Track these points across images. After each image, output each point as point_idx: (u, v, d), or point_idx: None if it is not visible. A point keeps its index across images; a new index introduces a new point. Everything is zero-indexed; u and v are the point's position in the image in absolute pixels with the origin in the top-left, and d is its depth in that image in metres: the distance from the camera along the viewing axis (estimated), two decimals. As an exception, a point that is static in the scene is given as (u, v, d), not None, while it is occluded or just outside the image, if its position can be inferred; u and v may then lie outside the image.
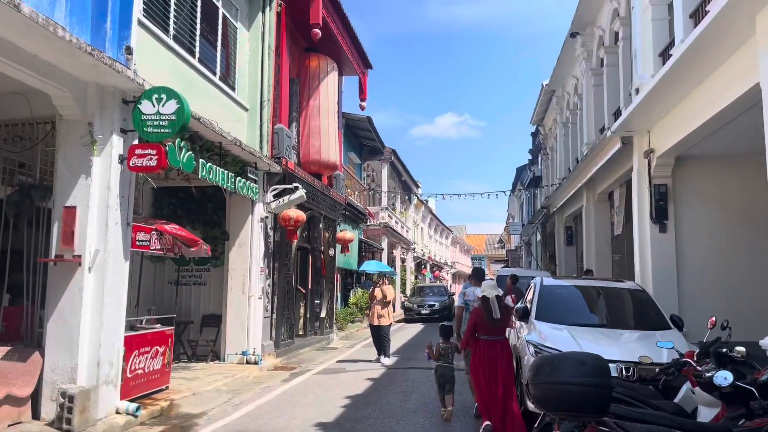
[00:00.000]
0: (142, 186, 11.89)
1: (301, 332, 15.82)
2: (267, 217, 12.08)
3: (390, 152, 28.51)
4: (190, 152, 8.33)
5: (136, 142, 7.26)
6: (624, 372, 6.05)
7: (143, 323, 8.61)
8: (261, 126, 12.17)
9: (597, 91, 15.58)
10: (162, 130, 7.02)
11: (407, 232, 36.41)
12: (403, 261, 37.45)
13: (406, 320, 24.91)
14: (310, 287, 15.92)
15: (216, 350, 11.75)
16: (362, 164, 27.69)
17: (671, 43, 9.82)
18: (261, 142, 12.12)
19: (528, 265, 32.28)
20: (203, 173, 8.92)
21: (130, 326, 8.41)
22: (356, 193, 22.99)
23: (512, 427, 6.23)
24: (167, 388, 8.62)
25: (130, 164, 7.01)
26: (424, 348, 7.88)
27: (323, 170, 15.16)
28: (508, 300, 10.42)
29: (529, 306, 7.85)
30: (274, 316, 12.75)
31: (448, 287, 55.28)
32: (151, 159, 6.96)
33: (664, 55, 10.09)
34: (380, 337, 12.63)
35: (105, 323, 6.76)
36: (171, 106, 7.02)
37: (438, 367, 7.41)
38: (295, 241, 13.64)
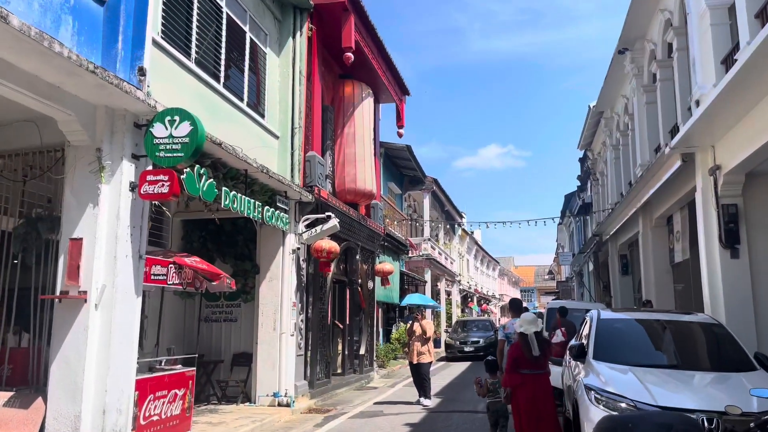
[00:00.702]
0: (171, 220, 11.57)
1: (339, 370, 15.04)
2: (299, 249, 11.47)
3: (431, 181, 27.80)
4: (212, 180, 7.84)
5: (150, 168, 6.78)
6: (706, 424, 5.03)
7: (162, 364, 8.02)
8: (292, 154, 11.68)
9: (650, 109, 14.55)
10: (175, 155, 6.52)
11: (452, 264, 35.37)
12: (449, 294, 36.32)
13: (448, 358, 23.12)
14: (348, 322, 15.17)
15: (247, 391, 11.08)
16: (403, 194, 27.06)
17: (735, 48, 8.87)
18: (292, 170, 11.61)
19: (580, 297, 30.68)
20: (227, 202, 8.39)
21: (148, 367, 7.87)
22: (396, 223, 22.29)
23: None
24: (188, 434, 7.96)
25: (141, 192, 6.51)
26: (469, 387, 7.76)
27: (359, 199, 14.55)
28: (558, 334, 9.82)
29: (585, 343, 6.89)
30: (309, 354, 12.03)
31: (495, 321, 53.66)
32: (163, 185, 6.45)
33: (728, 61, 9.11)
34: (420, 376, 11.73)
35: (113, 366, 6.18)
36: (184, 128, 6.53)
37: (490, 404, 7.19)
38: (330, 273, 12.97)
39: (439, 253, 30.62)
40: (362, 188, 14.24)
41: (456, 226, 39.84)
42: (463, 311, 41.77)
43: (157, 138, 6.57)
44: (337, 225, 11.63)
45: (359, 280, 15.35)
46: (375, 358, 17.01)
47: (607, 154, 21.08)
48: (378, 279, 16.97)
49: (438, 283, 32.37)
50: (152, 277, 7.07)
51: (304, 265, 11.95)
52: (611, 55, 15.99)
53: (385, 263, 16.67)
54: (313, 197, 11.70)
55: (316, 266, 12.26)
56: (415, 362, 11.73)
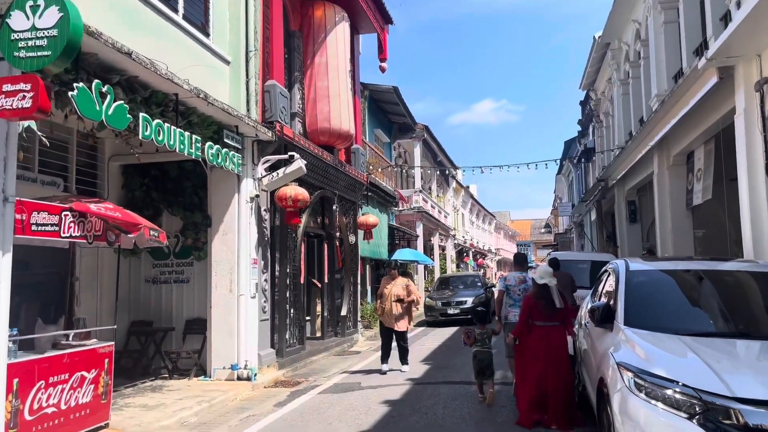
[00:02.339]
0: (106, 165, 9.74)
1: (318, 334, 13.46)
2: (257, 197, 9.66)
3: (422, 129, 25.81)
4: (122, 102, 5.98)
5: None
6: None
7: (70, 339, 6.31)
8: (247, 83, 9.75)
9: (669, 30, 12.59)
10: (40, 53, 4.65)
11: (445, 217, 33.69)
12: (443, 249, 34.77)
13: (429, 323, 18.63)
14: (327, 281, 13.51)
15: (201, 363, 9.47)
16: (392, 143, 25.12)
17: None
18: (248, 102, 9.70)
19: (580, 249, 29.14)
20: (147, 133, 6.56)
21: (52, 344, 6.17)
22: (382, 172, 20.33)
23: (571, 416, 5.99)
24: (107, 425, 6.32)
25: (-5, 108, 4.67)
26: (459, 353, 8.51)
27: (335, 141, 12.68)
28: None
29: (610, 303, 5.19)
30: (277, 318, 10.38)
31: (485, 276, 52.00)
32: (24, 98, 4.61)
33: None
34: (397, 343, 10.21)
35: (-39, 348, 4.45)
36: (51, 17, 4.65)
37: (477, 352, 7.35)
38: (300, 225, 11.23)
39: (432, 206, 28.88)
40: (337, 128, 12.35)
41: (449, 178, 38.00)
42: (458, 266, 40.33)
43: (16, 32, 4.69)
44: (303, 168, 9.80)
45: (338, 234, 13.60)
46: (360, 319, 15.44)
47: (614, 92, 19.13)
48: (361, 233, 15.26)
49: (431, 238, 30.75)
50: (34, 228, 5.29)
51: (266, 216, 10.17)
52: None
53: (369, 215, 14.92)
54: (274, 135, 9.83)
55: (283, 217, 10.49)
56: (394, 327, 10.13)
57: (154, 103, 7.08)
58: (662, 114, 11.89)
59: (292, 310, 11.01)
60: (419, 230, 25.99)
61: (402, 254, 22.13)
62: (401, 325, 10.07)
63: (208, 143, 7.94)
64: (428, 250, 31.21)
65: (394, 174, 24.21)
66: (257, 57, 9.91)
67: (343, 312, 13.96)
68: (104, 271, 9.57)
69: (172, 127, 7.03)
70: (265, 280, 9.97)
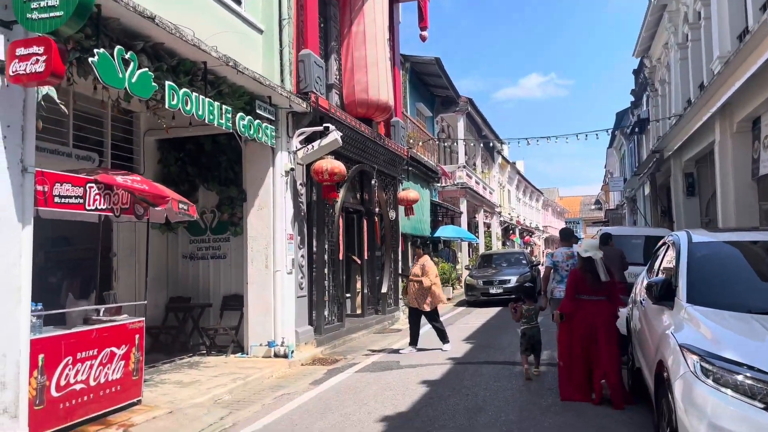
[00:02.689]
0: (142, 140, 9.64)
1: (358, 311, 13.23)
2: (293, 170, 9.39)
3: (466, 102, 25.08)
4: (146, 69, 5.74)
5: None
6: None
7: (101, 314, 6.20)
8: (281, 52, 9.44)
9: (733, -15, 11.60)
10: (52, 14, 4.40)
11: (491, 194, 32.93)
12: (488, 226, 34.08)
13: (470, 303, 17.47)
14: (366, 257, 13.23)
15: (239, 340, 9.35)
16: (434, 117, 24.50)
17: None
18: (282, 72, 9.40)
19: (633, 225, 28.00)
20: (174, 102, 6.32)
21: (83, 319, 6.07)
22: (422, 146, 19.75)
23: (619, 395, 5.79)
24: (138, 402, 6.21)
25: (10, 72, 4.47)
26: (503, 333, 8.39)
27: (374, 113, 12.27)
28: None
29: (670, 279, 4.67)
30: (314, 294, 10.17)
31: (532, 253, 50.76)
32: (37, 62, 4.38)
33: None
34: (431, 325, 9.87)
35: (-20, 323, 4.32)
36: (62, -25, 4.37)
37: (525, 329, 7.35)
38: (338, 200, 10.93)
39: (477, 182, 28.21)
40: (375, 99, 11.92)
41: (495, 154, 37.12)
42: (504, 244, 39.56)
43: (28, -7, 4.45)
44: (339, 140, 9.45)
45: (377, 210, 13.26)
46: (401, 297, 15.14)
47: (671, 57, 18.02)
48: (402, 209, 14.89)
49: (476, 215, 30.12)
50: (57, 200, 5.12)
51: (302, 191, 9.90)
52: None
53: (410, 190, 14.52)
54: (308, 106, 9.50)
55: (319, 192, 10.21)
56: (416, 307, 9.82)
57: (182, 72, 6.83)
58: (725, 77, 11.01)
59: (330, 287, 10.78)
60: (463, 207, 25.44)
61: (445, 231, 21.71)
62: (425, 306, 9.62)
63: (239, 114, 7.66)
64: (473, 227, 30.61)
65: (436, 149, 23.65)
66: (291, 25, 9.57)
67: (384, 289, 13.68)
68: (142, 247, 9.50)
69: (201, 96, 6.77)
70: (302, 256, 9.74)
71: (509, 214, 42.55)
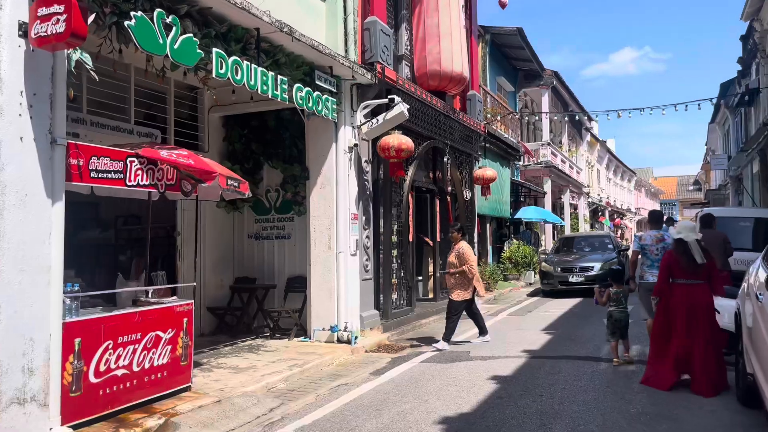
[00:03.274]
0: (206, 117, 9.42)
1: (430, 295, 12.63)
2: (356, 146, 8.84)
3: (551, 75, 23.59)
4: (190, 35, 5.35)
5: None
6: None
7: (149, 295, 5.95)
8: (345, 20, 8.88)
9: None
10: (74, -30, 4.01)
11: (578, 173, 31.15)
12: (575, 208, 32.33)
13: (545, 292, 15.51)
14: (439, 239, 12.56)
15: (302, 323, 9.01)
16: (517, 92, 23.26)
17: None
18: (346, 42, 8.85)
19: (738, 206, 25.53)
20: (222, 71, 5.90)
21: (132, 300, 5.85)
22: (501, 121, 18.63)
23: (716, 381, 5.60)
24: (188, 389, 5.93)
25: (32, 34, 4.15)
26: (589, 324, 8.25)
27: (447, 86, 11.49)
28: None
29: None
30: (381, 277, 9.65)
31: (621, 236, 47.69)
32: (57, 22, 4.03)
33: None
34: (448, 312, 8.74)
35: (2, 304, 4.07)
36: (82, -75, 3.97)
37: (613, 312, 7.10)
38: (408, 178, 10.32)
39: (562, 161, 26.68)
40: (449, 70, 11.14)
41: (583, 131, 35.11)
42: (592, 226, 37.54)
43: (49, -53, 4.09)
44: (405, 112, 8.78)
45: (450, 189, 12.51)
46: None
47: (789, 16, 15.91)
48: (478, 188, 14.07)
49: (562, 195, 28.60)
50: (93, 174, 4.82)
51: (368, 168, 9.36)
52: None
53: (486, 168, 13.66)
54: (374, 77, 8.90)
55: (386, 170, 9.63)
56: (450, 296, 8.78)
57: (233, 39, 6.40)
58: None
59: (398, 270, 10.23)
60: (547, 187, 24.11)
61: (527, 213, 20.62)
62: (455, 294, 8.60)
63: (297, 85, 7.18)
64: (558, 208, 29.11)
65: (518, 125, 22.45)
66: (356, -9, 8.96)
67: (458, 273, 12.95)
68: (206, 226, 9.36)
69: (253, 65, 6.32)
70: (367, 237, 9.23)
71: (598, 194, 40.32)
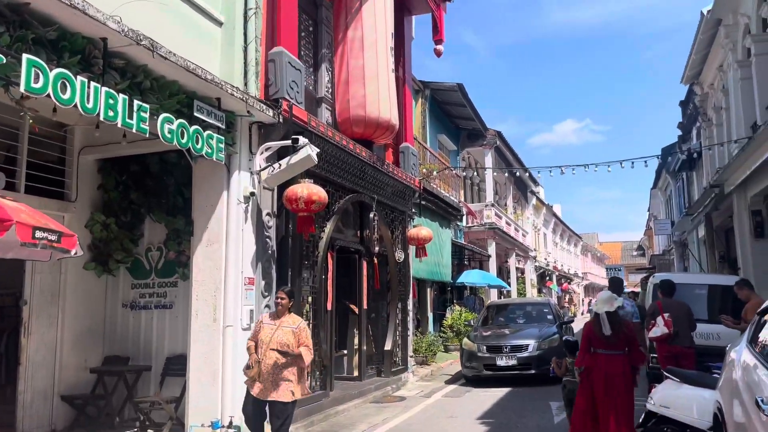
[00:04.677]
0: (75, 160, 7.78)
1: (355, 373, 10.93)
2: (253, 195, 7.33)
3: (494, 135, 22.96)
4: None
5: None
6: None
7: None
8: (246, 49, 7.52)
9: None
10: None
11: (524, 236, 30.42)
12: (522, 272, 31.43)
13: (468, 379, 11.98)
14: (366, 307, 10.99)
15: (180, 416, 7.17)
16: (459, 152, 22.46)
17: None
18: (246, 74, 7.46)
19: (684, 272, 25.02)
20: (38, 85, 4.43)
21: None
22: (443, 180, 17.43)
23: None
24: None
25: None
26: None
27: (374, 134, 10.24)
28: (659, 323, 7.84)
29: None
30: (287, 355, 7.95)
31: (568, 302, 46.91)
32: None
33: None
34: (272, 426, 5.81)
35: None
36: None
37: (566, 382, 7.05)
38: (322, 236, 8.83)
39: (507, 223, 25.82)
40: (374, 116, 9.92)
41: (529, 194, 34.73)
42: (540, 291, 36.68)
43: None
44: (314, 156, 7.37)
45: (379, 249, 11.06)
46: (412, 354, 12.76)
47: (729, 78, 15.65)
48: (413, 249, 12.69)
49: (507, 259, 27.63)
50: None
51: (271, 223, 7.83)
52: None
53: (421, 227, 12.34)
54: (278, 116, 7.51)
55: (296, 225, 8.12)
56: (269, 397, 5.71)
57: (68, 50, 4.91)
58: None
59: (313, 345, 8.55)
60: (492, 250, 23.04)
61: (469, 276, 19.35)
62: (283, 393, 5.67)
63: (165, 115, 5.70)
64: (504, 272, 28.08)
65: (461, 185, 21.49)
66: (259, 17, 7.69)
67: (388, 346, 11.36)
68: (67, 293, 7.55)
69: (93, 83, 4.83)
70: (267, 306, 7.58)
71: (545, 258, 39.76)
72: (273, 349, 5.66)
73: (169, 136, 5.73)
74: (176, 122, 5.84)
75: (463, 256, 21.77)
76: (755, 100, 13.38)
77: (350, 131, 9.89)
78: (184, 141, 5.93)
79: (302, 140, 7.37)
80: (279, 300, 5.90)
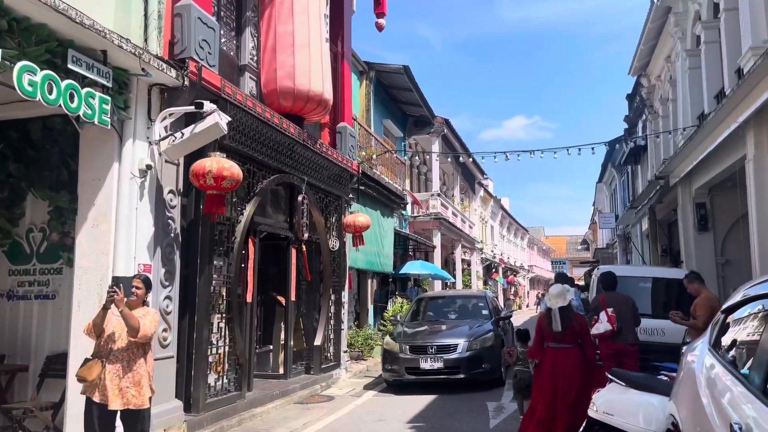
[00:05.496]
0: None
1: (281, 370, 10.02)
2: (151, 168, 6.31)
3: (442, 122, 22.29)
4: None
5: None
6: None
7: None
8: (146, 1, 6.47)
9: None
10: None
11: (470, 228, 30.02)
12: (468, 264, 31.07)
13: (389, 384, 10.27)
14: (294, 299, 10.08)
15: (58, 425, 6.13)
16: (406, 139, 21.70)
17: None
18: (146, 27, 6.43)
19: (627, 264, 25.11)
20: None
21: None
22: (385, 166, 16.57)
23: None
24: None
25: None
26: None
27: (304, 108, 9.31)
28: (602, 320, 7.18)
29: None
30: (194, 354, 7.01)
31: (512, 294, 46.99)
32: None
33: None
34: None
35: None
36: None
37: (517, 371, 7.32)
38: (240, 219, 7.88)
39: (454, 214, 25.28)
40: (304, 88, 8.99)
41: (476, 186, 34.39)
42: (485, 283, 36.51)
43: None
44: (222, 125, 6.40)
45: (309, 236, 10.16)
46: (346, 350, 11.94)
47: (677, 68, 15.42)
48: (350, 237, 11.86)
49: (453, 250, 27.16)
50: None
51: (175, 202, 6.83)
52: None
53: (358, 214, 11.51)
54: (183, 77, 6.50)
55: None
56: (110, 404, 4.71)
57: None
58: (761, 74, 8.29)
59: (222, 341, 7.63)
60: (437, 240, 22.43)
61: (412, 267, 18.67)
62: (135, 398, 4.74)
63: (23, 64, 4.65)
64: (450, 264, 27.61)
65: (406, 173, 20.75)
66: (164, -36, 6.64)
67: (318, 341, 10.50)
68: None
69: None
70: (168, 298, 6.60)
71: (492, 251, 39.63)
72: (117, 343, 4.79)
73: (29, 89, 4.67)
74: (41, 73, 4.78)
75: (408, 247, 21.09)
76: (703, 90, 13.10)
77: (277, 104, 8.94)
78: (52, 98, 4.88)
79: (208, 106, 6.39)
80: (134, 290, 4.94)
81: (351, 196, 12.18)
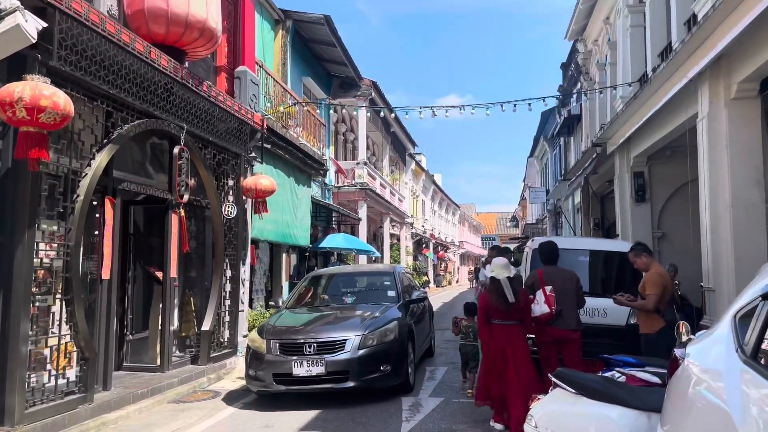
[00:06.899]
0: None
1: (157, 362, 8.26)
2: None
3: (369, 85, 20.60)
4: None
5: None
6: None
7: None
8: None
9: None
10: None
11: (400, 201, 28.73)
12: (397, 239, 29.85)
13: (262, 397, 7.27)
14: (175, 275, 8.31)
15: None
16: (331, 100, 19.91)
17: None
18: None
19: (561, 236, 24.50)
20: None
21: None
22: (299, 125, 14.63)
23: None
24: None
25: None
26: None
27: (182, 39, 7.45)
28: (539, 299, 6.01)
29: None
30: (7, 344, 5.19)
31: (441, 270, 46.16)
32: None
33: None
34: None
35: None
36: None
37: (461, 345, 7.41)
38: (91, 173, 6.04)
39: (382, 185, 23.85)
40: (181, 11, 7.14)
41: (407, 158, 33.09)
42: (415, 258, 35.52)
43: None
44: (27, 29, 4.55)
45: (186, 198, 8.35)
46: (246, 333, 10.27)
47: (617, 27, 14.40)
48: (250, 203, 10.14)
49: (381, 224, 25.79)
50: None
51: (-28, 140, 4.93)
52: None
53: (260, 176, 9.80)
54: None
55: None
56: None
57: None
58: (720, 17, 7.15)
59: (52, 328, 5.83)
60: (363, 213, 20.94)
61: (333, 240, 17.11)
62: None
63: None
64: (379, 238, 26.26)
65: (333, 140, 19.00)
66: None
67: (206, 325, 8.79)
68: None
69: None
70: (-43, 274, 4.74)
71: (422, 225, 38.65)
72: None
73: None
74: None
75: (331, 219, 19.51)
76: (646, 49, 12.09)
77: (146, 30, 7.06)
78: None
79: (11, 2, 4.50)
80: None
81: (254, 155, 10.43)
